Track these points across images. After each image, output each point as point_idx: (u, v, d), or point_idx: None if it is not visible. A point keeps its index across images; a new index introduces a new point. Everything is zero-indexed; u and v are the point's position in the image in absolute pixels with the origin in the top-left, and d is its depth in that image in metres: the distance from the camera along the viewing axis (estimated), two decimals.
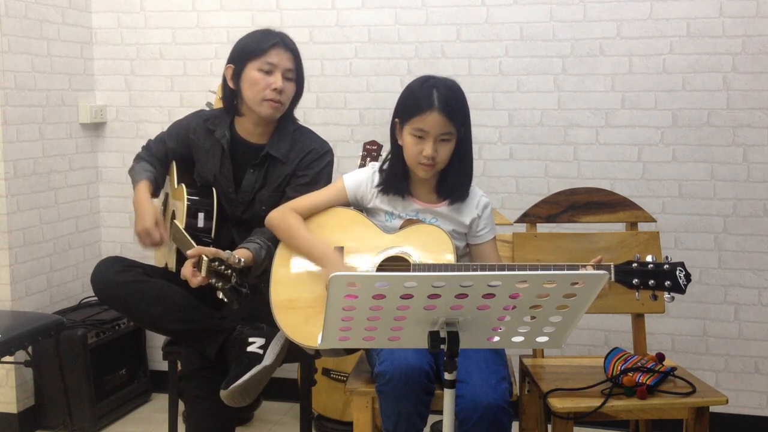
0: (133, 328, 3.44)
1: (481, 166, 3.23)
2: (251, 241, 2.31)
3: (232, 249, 2.27)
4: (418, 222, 2.23)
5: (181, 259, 2.29)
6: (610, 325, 3.18)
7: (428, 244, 2.16)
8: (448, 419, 1.65)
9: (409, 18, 3.26)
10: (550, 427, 2.20)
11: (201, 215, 2.41)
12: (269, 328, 2.26)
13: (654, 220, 2.58)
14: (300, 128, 2.51)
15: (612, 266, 2.01)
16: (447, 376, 1.62)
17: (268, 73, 2.36)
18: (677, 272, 1.98)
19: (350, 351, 2.28)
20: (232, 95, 2.45)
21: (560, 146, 3.18)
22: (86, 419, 3.15)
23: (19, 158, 3.14)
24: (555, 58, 3.15)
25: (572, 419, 2.12)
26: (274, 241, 2.31)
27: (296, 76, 2.43)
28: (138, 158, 2.63)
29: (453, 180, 2.23)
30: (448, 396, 1.64)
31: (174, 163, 2.60)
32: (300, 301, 2.18)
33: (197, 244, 2.21)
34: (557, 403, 2.11)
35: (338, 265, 2.15)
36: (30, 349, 2.82)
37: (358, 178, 2.31)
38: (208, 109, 2.86)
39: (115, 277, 2.32)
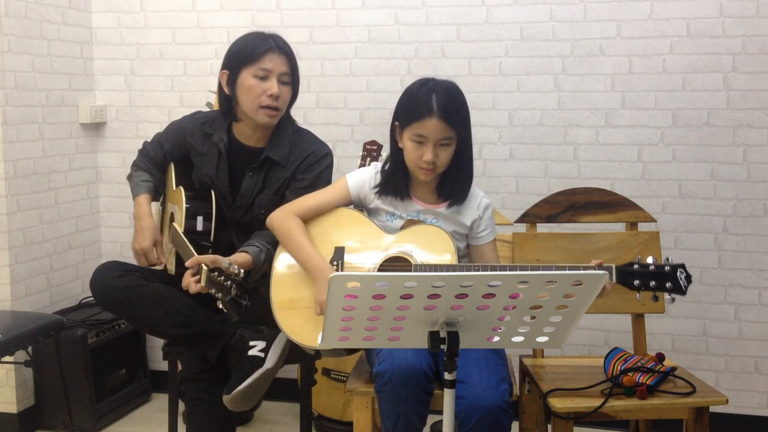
0: (133, 328, 3.43)
1: (481, 166, 3.23)
2: (251, 244, 2.30)
3: (232, 252, 2.26)
4: (420, 222, 2.23)
5: (180, 262, 2.28)
6: (610, 325, 3.18)
7: (429, 244, 2.16)
8: (448, 419, 1.65)
9: (409, 18, 3.26)
10: (550, 427, 2.20)
11: (200, 218, 2.39)
12: (270, 330, 2.26)
13: (654, 220, 2.58)
14: (299, 131, 2.50)
15: (613, 267, 2.01)
16: (447, 376, 1.62)
17: (263, 78, 2.34)
18: (678, 273, 1.99)
19: (350, 351, 2.28)
20: (228, 101, 2.43)
21: (560, 146, 3.18)
22: (86, 419, 3.15)
23: (19, 158, 3.14)
24: (555, 58, 3.15)
25: (572, 419, 2.12)
26: (273, 245, 2.30)
27: (292, 79, 2.41)
28: (135, 166, 2.61)
29: (453, 181, 2.23)
30: (448, 396, 1.64)
31: (172, 165, 2.59)
32: (300, 301, 2.18)
33: (196, 247, 2.20)
34: (557, 403, 2.11)
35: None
36: (30, 349, 2.81)
37: (360, 177, 2.31)
38: (207, 109, 2.85)
39: (114, 281, 2.31)
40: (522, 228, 2.56)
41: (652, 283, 1.99)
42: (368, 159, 2.88)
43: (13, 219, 3.11)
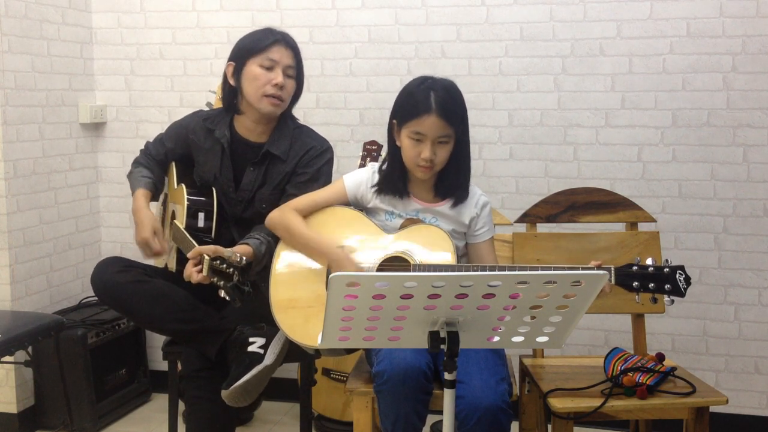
0: (133, 328, 3.44)
1: (481, 166, 3.23)
2: (251, 237, 2.31)
3: (233, 247, 2.27)
4: (419, 222, 2.23)
5: (181, 259, 2.29)
6: (610, 325, 3.18)
7: (429, 244, 2.16)
8: (448, 419, 1.65)
9: (409, 18, 3.26)
10: (550, 427, 2.20)
11: (201, 215, 2.41)
12: (269, 327, 2.26)
13: (654, 220, 2.58)
14: (300, 126, 2.52)
15: (612, 269, 2.01)
16: (447, 376, 1.62)
17: (269, 69, 2.37)
18: (677, 276, 1.99)
19: (350, 351, 2.29)
20: (232, 92, 2.45)
21: (560, 146, 3.18)
22: (86, 419, 3.14)
23: (19, 158, 3.14)
24: (555, 58, 3.15)
25: (572, 419, 2.12)
26: (274, 237, 2.32)
27: (297, 74, 2.44)
28: (136, 163, 2.63)
29: (451, 179, 2.23)
30: (448, 396, 1.64)
31: (173, 164, 2.60)
32: (300, 300, 2.18)
33: (198, 243, 2.21)
34: (557, 403, 2.11)
35: (343, 261, 2.15)
36: (30, 349, 2.82)
37: (358, 178, 2.31)
38: (207, 108, 2.85)
39: (115, 277, 2.32)
40: (522, 228, 2.56)
41: (651, 285, 1.99)
42: (368, 159, 2.88)
43: (13, 219, 3.11)
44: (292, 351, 2.29)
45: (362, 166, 2.84)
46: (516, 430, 2.31)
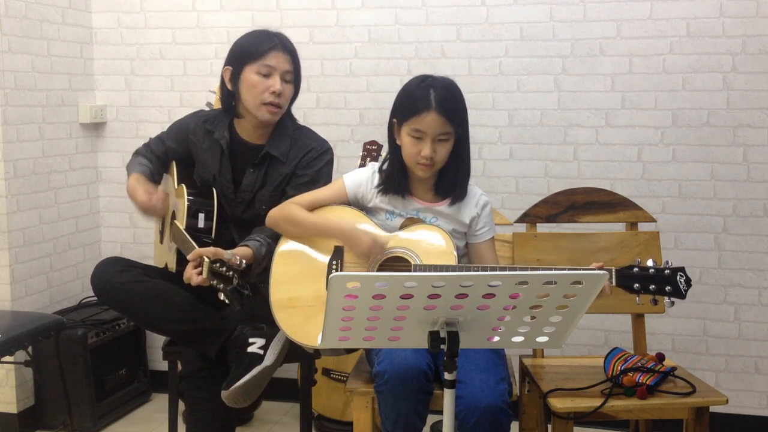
0: (133, 328, 3.44)
1: (481, 166, 3.23)
2: (251, 238, 2.31)
3: (233, 249, 2.27)
4: (419, 221, 2.23)
5: (181, 259, 2.29)
6: (610, 325, 3.18)
7: (429, 244, 2.16)
8: (448, 419, 1.65)
9: (409, 18, 3.26)
10: (550, 427, 2.20)
11: (201, 215, 2.41)
12: (269, 328, 2.26)
13: (654, 220, 2.58)
14: (300, 128, 2.51)
15: (613, 270, 2.01)
16: (447, 376, 1.62)
17: (267, 75, 2.36)
18: (678, 277, 1.98)
19: (350, 351, 2.29)
20: (230, 97, 2.45)
21: (560, 146, 3.18)
22: (86, 419, 3.15)
23: (19, 158, 3.14)
24: (555, 58, 3.15)
25: (572, 419, 2.12)
26: (274, 238, 2.31)
27: (294, 78, 2.43)
28: (136, 153, 2.64)
29: (451, 178, 2.24)
30: (448, 396, 1.64)
31: (174, 163, 2.60)
32: (300, 300, 2.18)
33: (198, 244, 2.20)
34: (557, 403, 2.11)
35: (362, 237, 2.15)
36: (30, 349, 2.82)
37: (358, 177, 2.31)
38: (207, 109, 2.86)
39: (114, 277, 2.32)
40: (522, 228, 2.56)
41: (652, 287, 1.99)
42: (368, 159, 2.88)
43: (13, 219, 3.11)
44: (292, 351, 2.29)
45: (362, 166, 2.84)
46: (516, 430, 2.31)
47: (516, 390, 2.18)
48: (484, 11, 3.19)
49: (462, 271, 2.07)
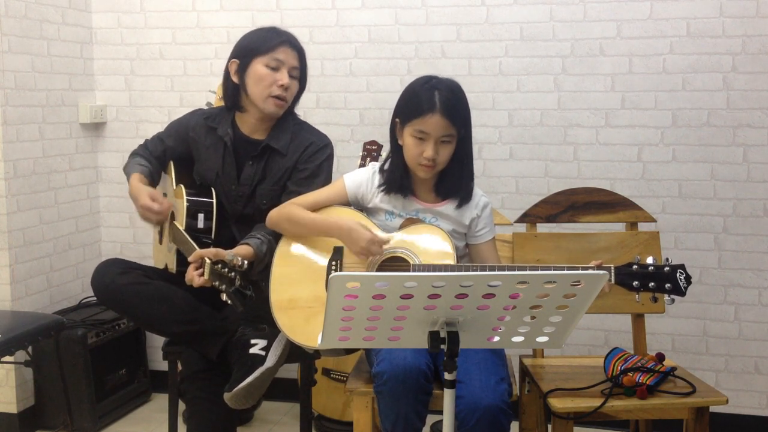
0: (133, 328, 3.43)
1: (481, 166, 3.23)
2: (252, 236, 2.31)
3: (233, 248, 2.26)
4: (419, 221, 2.23)
5: (181, 260, 2.28)
6: (610, 325, 3.18)
7: (428, 244, 2.16)
8: (448, 419, 1.65)
9: (409, 18, 3.26)
10: (550, 427, 2.20)
11: (201, 216, 2.41)
12: (271, 329, 2.26)
13: (654, 220, 2.58)
14: (300, 123, 2.53)
15: (612, 268, 2.01)
16: (447, 376, 1.62)
17: (275, 69, 2.38)
18: (677, 275, 1.98)
19: (350, 351, 2.28)
20: (235, 90, 2.45)
21: (560, 146, 3.18)
22: (86, 419, 3.14)
23: (19, 158, 3.14)
24: (555, 58, 3.15)
25: (572, 419, 2.12)
26: (274, 235, 2.32)
27: (300, 76, 2.45)
28: (133, 154, 2.63)
29: (453, 180, 2.24)
30: (448, 396, 1.64)
31: (172, 163, 2.59)
32: (300, 301, 2.18)
33: (198, 244, 2.20)
34: (557, 403, 2.11)
35: (361, 232, 2.14)
36: (30, 349, 2.82)
37: (358, 178, 2.31)
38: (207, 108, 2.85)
39: (115, 279, 2.32)
40: (522, 228, 2.56)
41: (652, 284, 1.99)
42: (368, 159, 2.88)
43: (13, 219, 3.11)
44: (293, 351, 2.29)
45: (362, 166, 2.84)
46: (516, 430, 2.31)
47: (516, 390, 2.18)
48: (484, 11, 3.19)
49: (462, 270, 2.07)
